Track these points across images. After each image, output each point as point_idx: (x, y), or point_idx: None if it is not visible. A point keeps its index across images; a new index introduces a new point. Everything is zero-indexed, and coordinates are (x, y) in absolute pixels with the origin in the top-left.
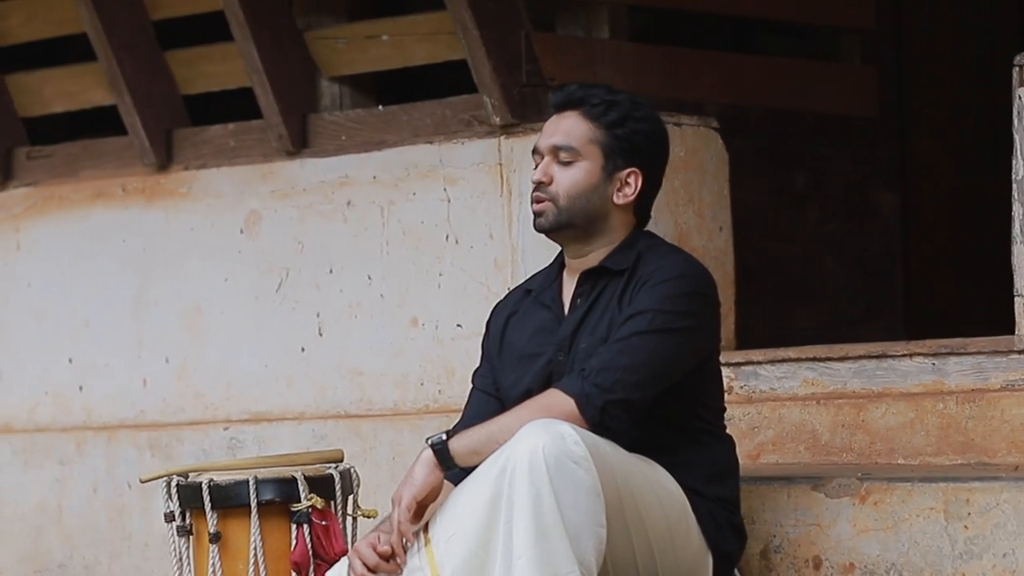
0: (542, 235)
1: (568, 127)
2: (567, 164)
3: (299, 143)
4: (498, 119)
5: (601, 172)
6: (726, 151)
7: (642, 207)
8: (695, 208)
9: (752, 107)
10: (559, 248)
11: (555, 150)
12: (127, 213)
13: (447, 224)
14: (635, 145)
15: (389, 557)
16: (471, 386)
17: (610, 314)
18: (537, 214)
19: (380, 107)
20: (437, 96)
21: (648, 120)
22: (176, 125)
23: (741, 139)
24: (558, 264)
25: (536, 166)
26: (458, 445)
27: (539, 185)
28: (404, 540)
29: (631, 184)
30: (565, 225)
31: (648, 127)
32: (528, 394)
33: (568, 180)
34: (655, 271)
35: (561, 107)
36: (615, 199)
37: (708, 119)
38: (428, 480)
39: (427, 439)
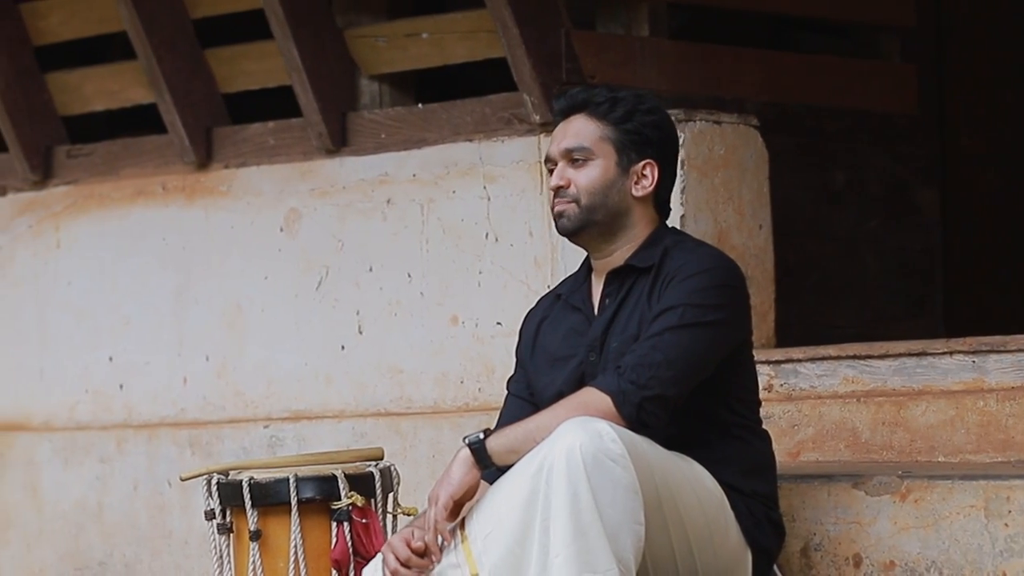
0: None
1: (576, 129)
2: (582, 165)
3: (339, 141)
4: (538, 117)
5: (616, 168)
6: (766, 149)
7: (660, 199)
8: (735, 206)
9: (792, 105)
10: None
11: (568, 153)
12: (167, 211)
13: (487, 222)
14: (646, 137)
15: (423, 553)
16: (506, 392)
17: (640, 311)
18: (559, 216)
19: (420, 105)
20: (477, 94)
21: (654, 111)
22: (216, 123)
23: (781, 137)
24: (586, 267)
25: (550, 173)
26: (495, 444)
27: (558, 190)
28: (440, 538)
29: (648, 176)
30: (588, 224)
31: (655, 118)
32: (560, 396)
33: (585, 179)
34: (683, 265)
35: (566, 112)
36: (634, 192)
37: (748, 117)
38: (465, 479)
39: (464, 438)
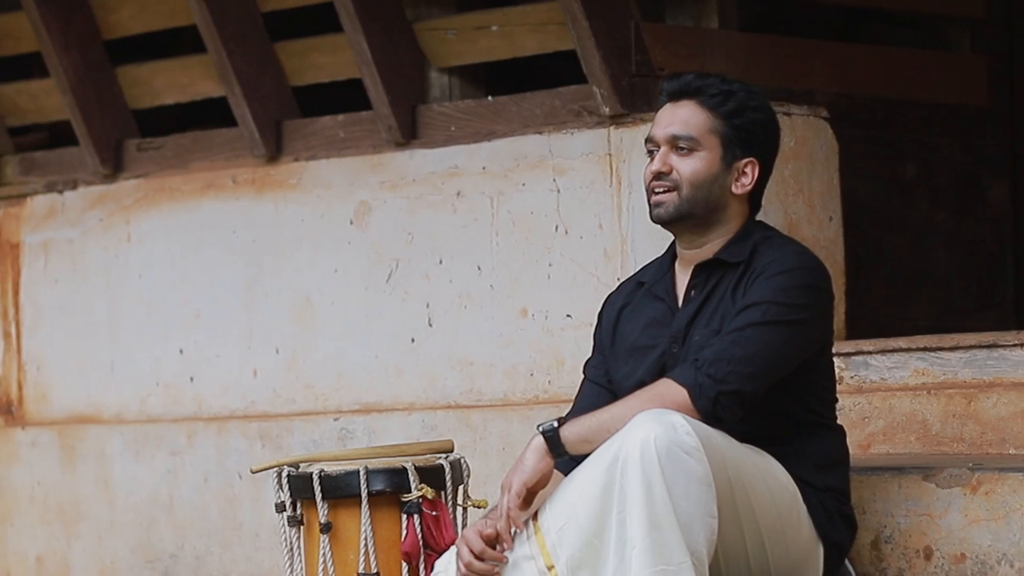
0: (652, 225)
1: (686, 116)
2: (687, 154)
3: (409, 134)
4: (607, 109)
5: (720, 162)
6: (836, 141)
7: (756, 197)
8: (805, 198)
9: (862, 96)
10: (669, 238)
11: (674, 140)
12: (237, 204)
13: (556, 214)
14: (752, 135)
15: (495, 543)
16: (583, 377)
17: (724, 306)
18: (656, 204)
19: (489, 98)
20: (546, 86)
21: (764, 110)
22: (286, 116)
23: (851, 129)
24: (670, 255)
25: (649, 154)
26: (569, 433)
27: (659, 175)
28: (512, 527)
29: (748, 174)
30: (686, 215)
31: (764, 116)
32: (641, 386)
33: (689, 169)
34: (770, 263)
35: (676, 96)
36: (733, 189)
37: (818, 108)
38: (538, 467)
39: (538, 426)
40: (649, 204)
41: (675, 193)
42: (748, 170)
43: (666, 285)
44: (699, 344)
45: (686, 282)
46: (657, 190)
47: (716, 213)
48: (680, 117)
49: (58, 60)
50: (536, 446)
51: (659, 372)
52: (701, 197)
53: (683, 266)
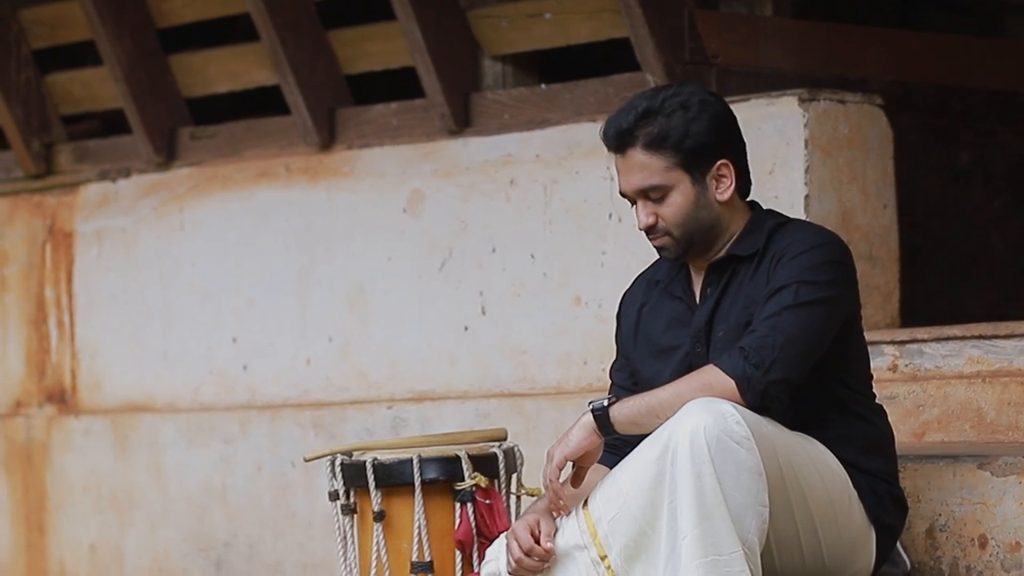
0: None
1: (640, 165)
2: (661, 199)
3: (462, 122)
4: None
5: (694, 187)
6: (890, 128)
7: (743, 184)
8: (859, 186)
9: (916, 84)
10: None
11: (643, 193)
12: (290, 193)
13: (610, 202)
14: (706, 144)
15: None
16: (610, 382)
17: (743, 296)
18: (660, 249)
19: (543, 85)
20: (600, 74)
21: (702, 113)
22: (339, 104)
23: (905, 116)
24: None
25: (632, 205)
26: (618, 413)
27: (649, 229)
28: (558, 498)
29: (724, 175)
30: (688, 248)
31: (707, 120)
32: None
33: (671, 211)
34: (791, 244)
35: (619, 149)
36: (719, 198)
37: (872, 96)
38: (583, 443)
39: (589, 403)
40: (655, 249)
41: (669, 237)
42: (723, 172)
43: (682, 283)
44: (724, 339)
45: (701, 280)
46: (653, 240)
47: (715, 228)
48: (635, 168)
49: (111, 48)
50: (584, 423)
51: (686, 372)
52: (694, 227)
53: (696, 266)
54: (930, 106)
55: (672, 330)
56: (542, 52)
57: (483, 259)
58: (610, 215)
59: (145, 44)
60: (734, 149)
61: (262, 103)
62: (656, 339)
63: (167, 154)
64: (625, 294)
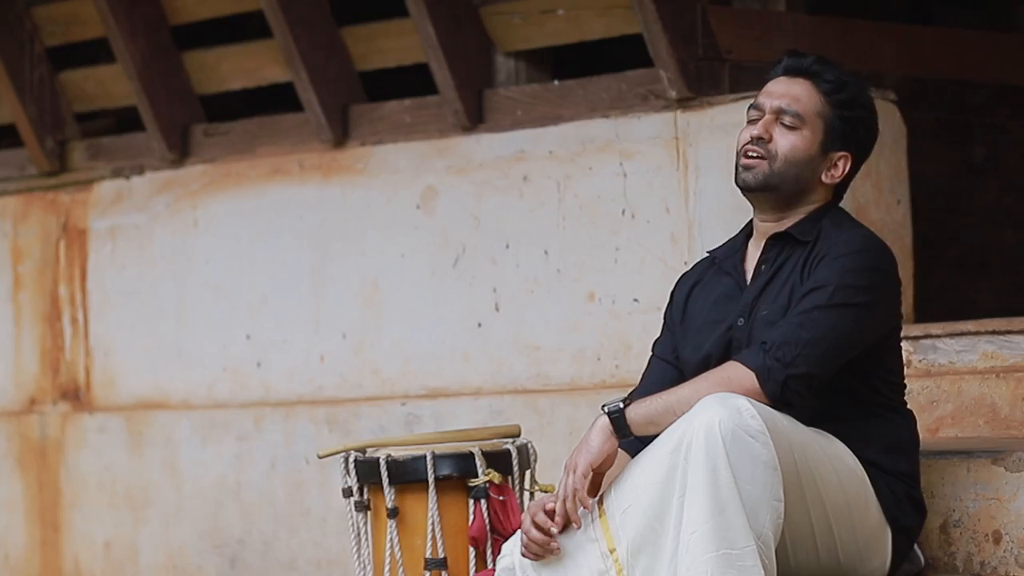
0: (719, 209)
1: (799, 93)
2: (790, 129)
3: (475, 118)
4: (674, 93)
5: (819, 147)
6: (904, 123)
7: (841, 189)
8: (873, 181)
9: (930, 79)
10: (737, 222)
11: (781, 112)
12: (304, 189)
13: (623, 199)
14: (855, 130)
15: (556, 517)
16: (651, 354)
17: (792, 283)
18: (745, 168)
19: (556, 82)
20: (613, 70)
21: (870, 109)
22: (352, 101)
23: (919, 111)
24: (744, 233)
25: (750, 122)
26: (634, 414)
27: (757, 140)
28: (580, 507)
29: (839, 167)
30: (773, 187)
31: (869, 115)
32: (708, 360)
33: (788, 144)
34: (835, 244)
35: (793, 72)
36: (823, 177)
37: (886, 91)
38: (604, 447)
39: (603, 406)
40: (737, 168)
41: (767, 162)
42: (840, 163)
43: (735, 260)
44: (765, 320)
45: (757, 256)
46: (750, 154)
47: (800, 195)
48: (793, 92)
49: (124, 46)
50: (601, 426)
51: (726, 345)
52: (792, 174)
53: (756, 240)
54: (944, 101)
55: (719, 305)
56: (555, 48)
57: (497, 255)
58: (623, 211)
59: (159, 41)
60: (861, 156)
61: (275, 100)
62: (703, 314)
63: (181, 151)
64: (684, 273)
